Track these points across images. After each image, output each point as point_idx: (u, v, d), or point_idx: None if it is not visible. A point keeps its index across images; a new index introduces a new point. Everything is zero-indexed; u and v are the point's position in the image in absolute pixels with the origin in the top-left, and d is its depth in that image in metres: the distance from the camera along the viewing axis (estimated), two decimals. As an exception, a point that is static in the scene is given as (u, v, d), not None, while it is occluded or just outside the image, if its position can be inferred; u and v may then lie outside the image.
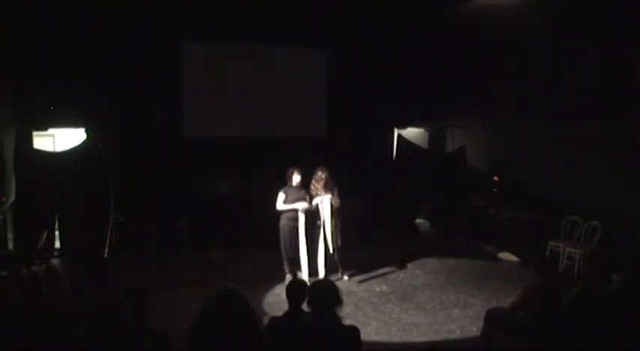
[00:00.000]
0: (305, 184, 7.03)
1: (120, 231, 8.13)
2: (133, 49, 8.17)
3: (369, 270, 7.58)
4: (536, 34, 7.92)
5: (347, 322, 3.79)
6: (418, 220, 10.50)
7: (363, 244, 8.54)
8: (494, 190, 9.37)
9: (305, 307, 3.64)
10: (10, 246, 7.50)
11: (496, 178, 9.43)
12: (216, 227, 8.47)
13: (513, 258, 8.37)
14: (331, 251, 6.98)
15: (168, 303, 5.87)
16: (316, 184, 6.93)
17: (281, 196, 6.91)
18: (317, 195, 6.91)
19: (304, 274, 6.97)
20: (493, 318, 4.94)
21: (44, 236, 7.26)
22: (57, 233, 8.10)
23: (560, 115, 7.92)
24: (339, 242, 7.04)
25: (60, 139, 9.57)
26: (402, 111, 10.08)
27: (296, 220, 6.91)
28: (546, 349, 4.33)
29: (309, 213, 6.92)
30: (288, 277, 6.87)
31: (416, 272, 7.68)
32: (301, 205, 6.86)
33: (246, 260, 7.95)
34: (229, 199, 8.80)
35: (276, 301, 6.40)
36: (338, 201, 6.98)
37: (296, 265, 7.03)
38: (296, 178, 6.94)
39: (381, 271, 7.60)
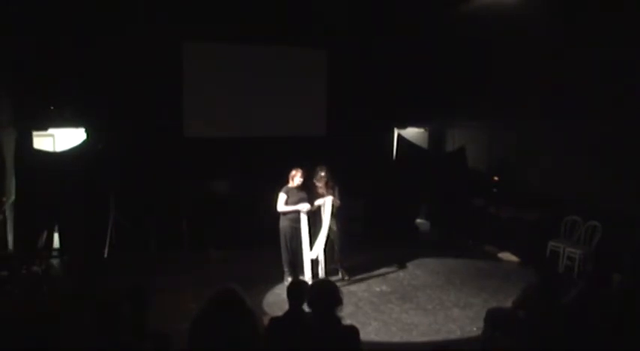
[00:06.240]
0: (305, 185, 7.01)
1: (120, 231, 8.14)
2: (133, 49, 8.16)
3: (369, 270, 7.58)
4: (536, 34, 7.92)
5: (347, 322, 3.79)
6: (418, 220, 10.49)
7: (363, 244, 8.52)
8: (494, 190, 9.36)
9: (305, 307, 3.64)
10: (10, 246, 7.49)
11: (496, 178, 9.42)
12: (216, 227, 8.47)
13: (513, 258, 8.37)
14: (332, 252, 6.97)
15: (168, 303, 5.87)
16: (319, 184, 6.92)
17: (282, 197, 6.84)
18: (320, 195, 6.90)
19: (305, 275, 6.96)
20: (493, 318, 4.94)
21: (44, 236, 7.25)
22: (57, 233, 8.10)
23: (560, 115, 7.92)
24: (340, 242, 7.03)
25: (60, 139, 9.55)
26: (402, 111, 10.09)
27: (298, 221, 6.86)
28: (546, 349, 4.33)
29: (310, 214, 6.89)
30: (288, 278, 6.86)
31: (416, 272, 7.67)
32: (304, 207, 6.82)
33: (246, 260, 7.94)
34: (229, 199, 8.81)
35: (276, 301, 6.40)
36: (338, 201, 6.98)
37: (296, 266, 7.01)
38: (298, 180, 6.87)
39: (381, 271, 7.60)
